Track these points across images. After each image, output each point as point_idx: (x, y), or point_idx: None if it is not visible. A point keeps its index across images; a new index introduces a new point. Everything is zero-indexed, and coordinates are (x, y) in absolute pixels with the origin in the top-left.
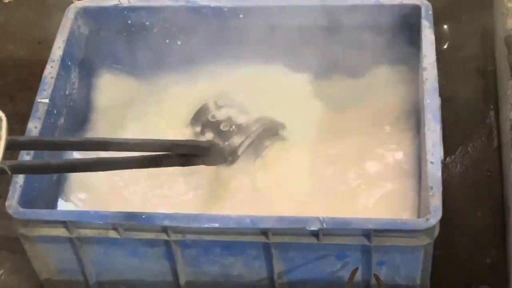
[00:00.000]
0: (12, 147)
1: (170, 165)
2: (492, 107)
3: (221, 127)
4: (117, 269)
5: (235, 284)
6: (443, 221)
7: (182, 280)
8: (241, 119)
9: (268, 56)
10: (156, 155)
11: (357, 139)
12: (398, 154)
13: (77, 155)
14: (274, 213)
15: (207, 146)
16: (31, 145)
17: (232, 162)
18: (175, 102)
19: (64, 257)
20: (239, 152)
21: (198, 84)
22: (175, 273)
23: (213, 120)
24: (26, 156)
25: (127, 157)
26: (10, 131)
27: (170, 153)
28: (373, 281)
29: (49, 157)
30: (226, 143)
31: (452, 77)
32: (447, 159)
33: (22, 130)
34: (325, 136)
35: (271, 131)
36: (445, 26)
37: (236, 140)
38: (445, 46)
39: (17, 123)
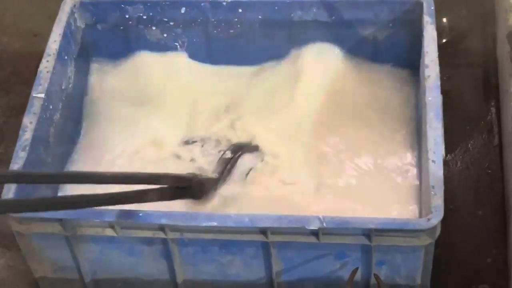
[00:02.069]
0: None
1: (153, 199)
2: (493, 104)
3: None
4: (113, 267)
5: (233, 282)
6: (443, 220)
7: (180, 279)
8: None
9: (266, 51)
10: (138, 190)
11: (356, 136)
12: (398, 152)
13: None
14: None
15: (190, 177)
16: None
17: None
18: (171, 97)
19: (59, 255)
20: (224, 181)
21: (194, 78)
22: (172, 272)
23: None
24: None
25: (107, 194)
26: (5, 124)
27: (151, 187)
28: (373, 281)
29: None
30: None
31: (452, 72)
32: (447, 156)
33: (17, 123)
34: (322, 133)
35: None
36: (444, 20)
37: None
38: (444, 40)
39: (12, 117)
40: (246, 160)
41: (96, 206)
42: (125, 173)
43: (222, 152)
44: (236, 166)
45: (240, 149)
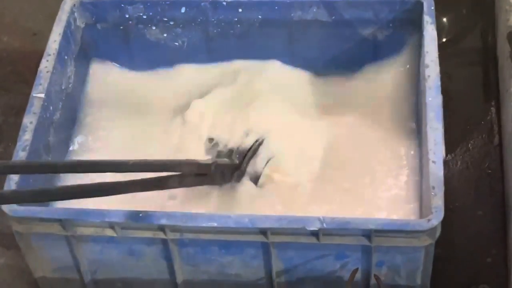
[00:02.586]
0: (3, 171)
1: (174, 186)
2: (493, 103)
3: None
4: (113, 267)
5: (233, 283)
6: (443, 220)
7: (179, 279)
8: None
9: (266, 51)
10: (159, 177)
11: (356, 137)
12: (398, 152)
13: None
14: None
15: (208, 164)
16: (23, 169)
17: (238, 180)
18: (171, 97)
19: (59, 255)
20: (243, 168)
21: (195, 78)
22: (172, 272)
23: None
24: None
25: (130, 181)
26: (5, 123)
27: (172, 173)
28: (373, 281)
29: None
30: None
31: (451, 72)
32: (447, 156)
33: (17, 123)
34: (322, 132)
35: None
36: (444, 19)
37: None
38: (444, 40)
39: (12, 116)
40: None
41: (118, 193)
42: (146, 161)
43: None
44: (256, 154)
45: (254, 144)
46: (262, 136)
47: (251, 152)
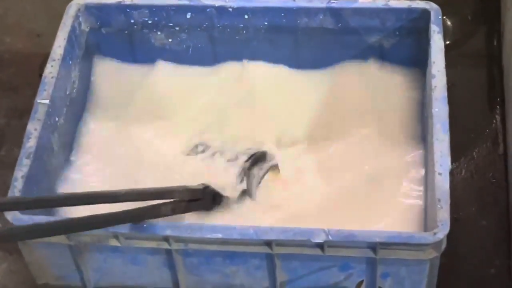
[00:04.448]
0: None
1: (167, 213)
2: (498, 111)
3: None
4: (116, 275)
5: None
6: None
7: None
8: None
9: (272, 58)
10: (151, 205)
11: (361, 147)
12: (404, 163)
13: None
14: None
15: (202, 189)
16: (16, 205)
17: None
18: (176, 102)
19: (62, 263)
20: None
21: (200, 83)
22: (175, 281)
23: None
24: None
25: (121, 212)
26: (8, 126)
27: (164, 200)
28: None
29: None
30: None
31: (455, 79)
32: (452, 165)
33: (21, 125)
34: (327, 145)
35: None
36: (449, 23)
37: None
38: (447, 42)
39: (15, 119)
40: (258, 169)
41: (114, 225)
42: (138, 190)
43: (231, 162)
44: (250, 174)
45: (250, 158)
46: (259, 149)
47: (243, 174)
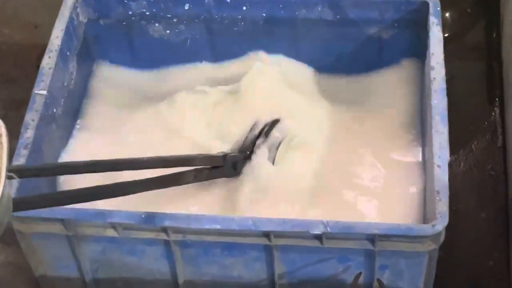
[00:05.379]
0: (18, 175)
1: (189, 181)
2: (497, 104)
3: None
4: (114, 267)
5: (235, 284)
6: None
7: (181, 279)
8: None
9: (270, 49)
10: (174, 173)
11: (360, 139)
12: (402, 155)
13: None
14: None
15: (220, 156)
16: (36, 172)
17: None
18: (174, 92)
19: (60, 254)
20: (253, 157)
21: (198, 75)
22: (173, 272)
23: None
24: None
25: (145, 179)
26: (5, 117)
27: (186, 169)
28: (375, 284)
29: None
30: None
31: (454, 71)
32: (451, 157)
33: (18, 117)
34: (328, 136)
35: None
36: (447, 15)
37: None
38: (446, 35)
39: (13, 110)
40: (274, 135)
41: (135, 193)
42: (160, 157)
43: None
44: (266, 140)
45: (266, 126)
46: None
47: (264, 135)
